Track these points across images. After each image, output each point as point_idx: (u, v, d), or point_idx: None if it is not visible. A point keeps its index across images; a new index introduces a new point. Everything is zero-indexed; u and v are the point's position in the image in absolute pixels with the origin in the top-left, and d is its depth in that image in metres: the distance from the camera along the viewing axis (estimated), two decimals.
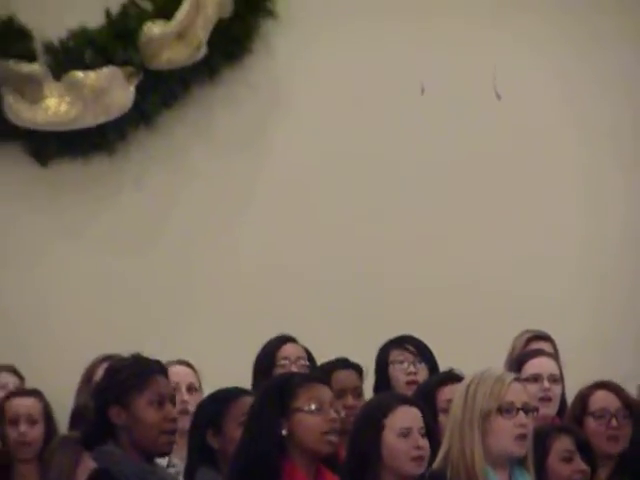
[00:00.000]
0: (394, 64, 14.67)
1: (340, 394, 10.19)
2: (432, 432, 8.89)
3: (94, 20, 13.61)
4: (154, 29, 13.44)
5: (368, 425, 8.71)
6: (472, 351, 12.01)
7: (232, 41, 13.87)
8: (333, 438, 8.45)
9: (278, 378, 9.85)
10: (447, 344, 11.64)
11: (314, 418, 8.63)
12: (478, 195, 14.41)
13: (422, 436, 8.56)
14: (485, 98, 14.70)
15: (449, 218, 14.20)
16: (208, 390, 10.33)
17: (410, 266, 13.63)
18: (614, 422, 10.41)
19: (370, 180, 14.17)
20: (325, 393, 9.01)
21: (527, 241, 13.90)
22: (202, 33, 13.66)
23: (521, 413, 8.14)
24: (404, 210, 14.13)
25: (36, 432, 11.05)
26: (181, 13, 13.55)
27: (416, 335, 11.35)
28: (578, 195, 14.99)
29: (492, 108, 14.76)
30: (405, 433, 8.60)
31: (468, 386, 8.49)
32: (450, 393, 9.37)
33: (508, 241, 13.88)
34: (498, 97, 14.60)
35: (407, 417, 8.71)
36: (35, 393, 11.43)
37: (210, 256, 13.57)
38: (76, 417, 11.10)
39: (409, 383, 10.91)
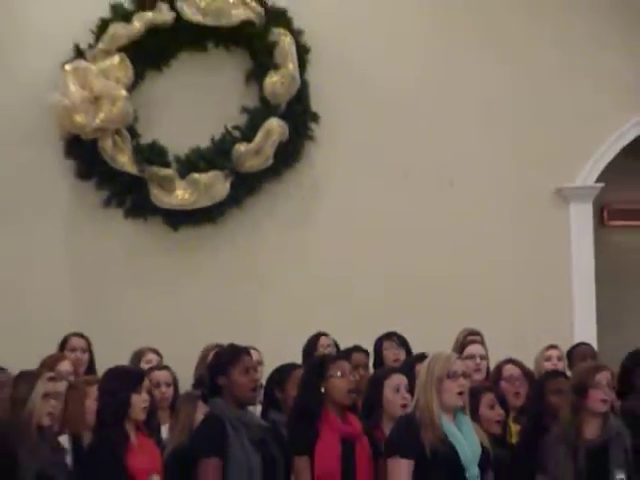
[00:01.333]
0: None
1: (355, 368, 11.98)
2: (413, 390, 10.76)
3: (204, 142, 14.67)
4: (241, 148, 14.48)
5: (374, 385, 11.36)
6: (435, 340, 12.24)
7: (289, 155, 14.76)
8: (352, 394, 10.78)
9: (318, 357, 12.31)
10: (423, 335, 12.83)
11: (340, 381, 10.68)
12: (450, 242, 14.56)
13: (407, 392, 11.01)
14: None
15: (435, 259, 14.46)
16: (279, 363, 12.29)
17: (410, 284, 14.27)
18: (517, 384, 12.16)
19: (387, 240, 14.51)
20: (346, 366, 10.96)
21: (475, 277, 14.55)
22: (270, 150, 14.59)
23: (461, 378, 10.09)
24: (411, 259, 14.50)
25: (170, 392, 12.52)
26: (258, 138, 14.41)
27: (408, 326, 12.94)
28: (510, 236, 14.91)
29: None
30: (396, 389, 11.08)
31: (429, 361, 10.32)
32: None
33: (465, 275, 14.50)
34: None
35: (397, 380, 11.19)
36: (167, 368, 12.83)
37: (280, 284, 14.44)
38: (197, 382, 12.69)
39: (395, 361, 12.90)
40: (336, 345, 12.99)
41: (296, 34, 14.66)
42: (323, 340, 12.92)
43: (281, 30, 14.57)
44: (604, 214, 15.17)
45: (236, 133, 14.67)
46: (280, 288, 14.13)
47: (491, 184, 14.62)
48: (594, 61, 14.73)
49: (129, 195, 14.61)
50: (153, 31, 14.53)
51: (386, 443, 10.66)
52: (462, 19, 14.76)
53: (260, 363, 12.79)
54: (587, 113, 14.80)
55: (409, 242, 14.39)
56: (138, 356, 12.68)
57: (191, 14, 14.37)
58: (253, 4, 14.60)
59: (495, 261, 14.40)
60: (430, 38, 14.81)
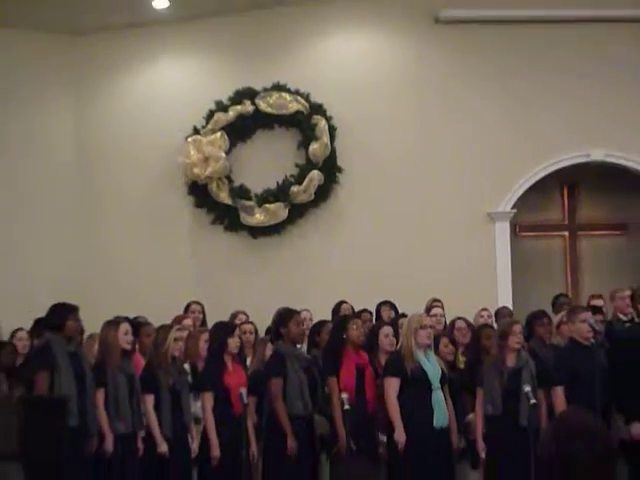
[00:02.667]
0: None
1: (364, 322, 11.96)
2: (398, 337, 11.26)
3: (272, 184, 14.32)
4: (295, 188, 14.27)
5: (372, 333, 11.46)
6: (413, 305, 11.96)
7: (324, 193, 14.44)
8: (362, 339, 11.07)
9: (341, 316, 12.20)
10: (405, 302, 12.59)
11: (355, 331, 10.91)
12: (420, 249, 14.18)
13: (393, 337, 11.20)
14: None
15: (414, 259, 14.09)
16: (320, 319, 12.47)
17: (398, 276, 13.82)
18: (463, 332, 12.01)
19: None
20: (359, 322, 11.24)
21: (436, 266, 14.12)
22: (312, 190, 14.21)
23: (429, 329, 10.60)
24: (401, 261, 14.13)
25: (252, 337, 12.11)
26: (305, 182, 14.13)
27: (396, 297, 12.81)
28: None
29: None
30: (386, 335, 11.25)
31: (409, 319, 10.88)
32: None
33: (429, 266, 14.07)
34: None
35: (387, 330, 11.36)
36: (251, 322, 12.54)
37: (319, 272, 13.99)
38: (267, 331, 12.73)
39: (387, 318, 12.64)
40: (352, 308, 12.63)
41: (328, 119, 14.32)
42: (344, 306, 12.65)
43: (319, 117, 14.29)
44: (517, 229, 14.91)
45: (292, 179, 14.36)
46: (319, 274, 13.86)
47: (448, 210, 14.17)
48: (513, 123, 14.37)
49: (226, 218, 14.42)
50: (240, 117, 14.32)
51: (382, 368, 10.98)
52: (438, 106, 14.36)
53: (310, 319, 12.58)
54: (508, 162, 14.42)
55: (400, 249, 14.03)
56: (234, 315, 12.36)
57: (264, 107, 14.19)
58: (301, 100, 14.33)
59: (450, 260, 13.96)
60: (417, 120, 14.34)
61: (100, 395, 10.35)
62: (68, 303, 11.00)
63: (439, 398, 10.69)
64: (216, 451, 10.54)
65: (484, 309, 12.72)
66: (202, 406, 10.77)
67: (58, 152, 14.01)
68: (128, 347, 10.60)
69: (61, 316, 10.78)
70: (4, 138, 13.59)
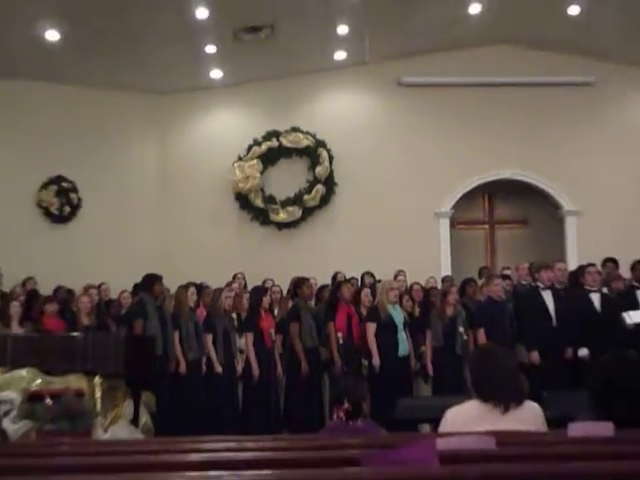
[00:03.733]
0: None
1: (352, 285, 11.49)
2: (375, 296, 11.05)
3: (291, 194, 14.08)
4: (306, 197, 14.05)
5: (357, 293, 11.05)
6: (385, 274, 11.64)
7: (325, 199, 14.12)
8: (351, 296, 10.85)
9: (337, 282, 11.70)
10: (380, 272, 12.12)
11: (347, 292, 10.64)
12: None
13: (371, 295, 10.95)
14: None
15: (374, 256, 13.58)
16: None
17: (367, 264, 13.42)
18: (420, 293, 11.58)
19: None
20: (349, 286, 11.02)
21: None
22: (318, 198, 13.97)
23: (396, 290, 10.34)
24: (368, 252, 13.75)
25: (278, 296, 11.94)
26: (312, 193, 13.90)
27: (375, 269, 12.42)
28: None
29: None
30: (366, 295, 11.00)
31: (383, 283, 10.57)
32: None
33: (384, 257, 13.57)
34: None
35: (366, 291, 11.17)
36: (277, 285, 12.19)
37: (322, 252, 13.46)
38: (288, 292, 12.09)
39: (368, 283, 12.18)
40: (344, 276, 12.15)
41: (328, 150, 14.05)
42: (339, 275, 12.29)
43: (322, 149, 14.04)
44: (454, 223, 14.42)
45: (304, 191, 14.05)
46: (322, 254, 13.39)
47: (409, 211, 13.86)
48: (451, 154, 14.10)
49: (260, 216, 14.08)
50: (269, 149, 14.05)
51: (365, 316, 10.74)
52: (401, 142, 14.07)
53: (316, 284, 11.93)
54: (448, 180, 14.11)
55: (377, 237, 13.62)
56: (265, 282, 11.98)
57: (285, 142, 13.93)
58: (310, 138, 14.07)
59: (411, 244, 13.55)
60: (387, 152, 14.03)
61: (176, 335, 10.47)
62: (155, 273, 11.14)
63: (402, 336, 10.71)
64: (256, 372, 10.66)
65: (432, 277, 12.59)
66: (245, 342, 10.84)
67: (147, 176, 13.85)
68: (192, 305, 10.69)
69: (150, 282, 10.91)
70: (107, 169, 13.38)
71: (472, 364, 4.47)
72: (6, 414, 7.52)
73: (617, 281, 10.97)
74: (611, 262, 11.54)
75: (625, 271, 11.41)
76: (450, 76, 13.90)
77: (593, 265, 11.09)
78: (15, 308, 10.33)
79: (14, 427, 7.18)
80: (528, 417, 4.15)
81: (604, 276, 10.99)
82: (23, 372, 8.22)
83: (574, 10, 12.36)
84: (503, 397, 4.13)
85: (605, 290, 10.77)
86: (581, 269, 11.41)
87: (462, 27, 12.92)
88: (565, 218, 14.26)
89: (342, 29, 12.57)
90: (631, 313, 10.00)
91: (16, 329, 10.09)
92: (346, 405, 4.93)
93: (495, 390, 4.17)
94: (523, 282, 11.83)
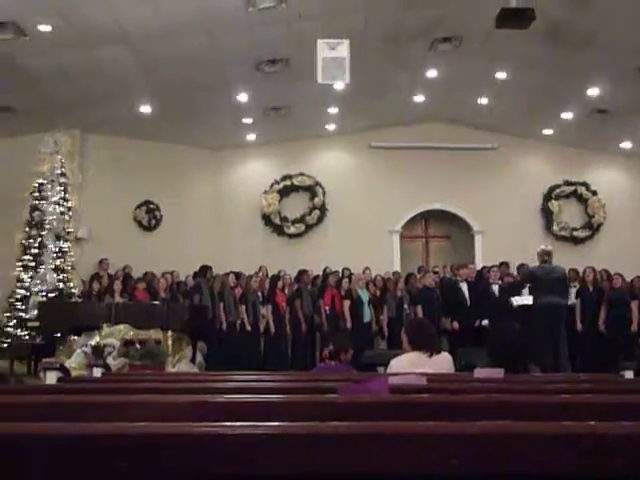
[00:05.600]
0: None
1: (336, 276, 11.35)
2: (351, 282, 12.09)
3: (298, 215, 13.66)
4: (308, 218, 13.57)
5: (339, 281, 11.01)
6: (358, 269, 11.60)
7: (320, 219, 13.64)
8: (335, 283, 11.04)
9: (325, 273, 11.51)
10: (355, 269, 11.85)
11: (332, 280, 10.89)
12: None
13: (348, 283, 10.81)
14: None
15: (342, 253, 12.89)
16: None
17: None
18: (379, 282, 11.32)
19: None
20: (334, 275, 11.39)
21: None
22: (315, 219, 13.52)
23: (364, 279, 10.53)
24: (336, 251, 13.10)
25: (289, 281, 11.90)
26: (312, 216, 13.54)
27: (351, 266, 11.70)
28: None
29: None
30: (345, 282, 10.91)
31: (355, 275, 10.77)
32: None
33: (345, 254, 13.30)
34: None
35: (346, 280, 10.86)
36: (288, 275, 11.89)
37: (318, 252, 12.75)
38: (294, 279, 11.78)
39: (347, 274, 11.49)
40: (331, 270, 11.73)
41: (322, 188, 13.83)
42: (328, 269, 11.86)
43: (319, 187, 13.82)
44: (403, 237, 14.20)
45: (306, 214, 13.80)
46: (317, 256, 12.88)
47: (373, 229, 13.52)
48: (403, 193, 13.80)
49: (277, 230, 13.77)
50: (285, 187, 13.84)
51: (343, 296, 10.66)
52: (369, 187, 13.78)
53: (312, 275, 11.75)
54: (399, 209, 13.90)
55: (352, 246, 13.07)
56: (279, 272, 11.56)
57: (295, 182, 13.73)
58: (311, 179, 13.81)
59: (374, 251, 13.19)
60: (359, 192, 13.71)
61: (220, 305, 10.44)
62: (207, 265, 11.10)
63: (367, 310, 10.77)
64: (273, 329, 10.62)
65: (387, 271, 12.35)
66: (266, 311, 10.82)
67: (205, 203, 13.60)
68: (232, 285, 10.66)
69: (204, 270, 10.92)
70: (179, 197, 13.17)
71: (407, 328, 4.50)
72: (109, 353, 7.58)
73: (508, 277, 11.00)
74: (504, 265, 11.55)
75: (513, 270, 11.42)
76: (403, 142, 13.74)
77: (494, 266, 11.18)
78: (117, 285, 10.56)
79: (114, 362, 7.28)
80: (443, 362, 4.19)
81: (500, 274, 10.99)
82: (121, 327, 8.40)
83: (484, 100, 12.38)
84: (426, 347, 4.17)
85: (500, 283, 10.81)
86: (485, 269, 11.47)
87: (411, 110, 12.90)
88: (475, 235, 14.12)
89: (332, 110, 12.53)
90: (517, 298, 10.06)
91: (117, 299, 10.23)
92: (330, 347, 4.84)
93: (422, 343, 4.20)
94: (447, 276, 11.86)
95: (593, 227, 13.98)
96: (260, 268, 12.00)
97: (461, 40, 10.10)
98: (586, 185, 14.08)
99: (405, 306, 10.99)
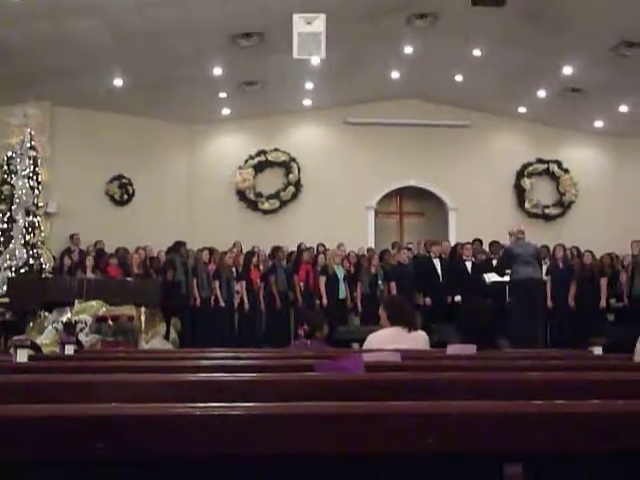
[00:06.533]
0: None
1: (309, 252, 11.63)
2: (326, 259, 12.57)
3: (274, 191, 13.68)
4: (282, 194, 13.46)
5: (314, 257, 11.33)
6: (333, 244, 11.65)
7: (295, 195, 13.58)
8: (310, 258, 11.30)
9: (300, 249, 11.41)
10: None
11: (307, 256, 11.19)
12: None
13: (324, 259, 10.99)
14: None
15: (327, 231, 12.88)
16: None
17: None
18: (353, 257, 11.37)
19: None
20: (309, 252, 11.67)
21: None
22: (290, 195, 13.53)
23: (339, 256, 10.72)
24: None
25: (263, 257, 11.94)
26: (287, 191, 13.50)
27: (328, 243, 11.79)
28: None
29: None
30: (319, 258, 11.23)
31: (331, 250, 11.04)
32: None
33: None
34: None
35: (321, 256, 11.01)
36: (263, 251, 12.05)
37: (295, 228, 12.76)
38: (269, 255, 11.88)
39: (322, 250, 11.64)
40: (305, 246, 11.78)
41: (298, 163, 13.73)
42: (302, 245, 11.86)
43: (294, 163, 13.72)
44: (377, 214, 14.23)
45: (281, 189, 13.74)
46: (293, 231, 12.83)
47: (350, 204, 13.49)
48: (376, 168, 13.73)
49: (252, 205, 13.72)
50: (259, 162, 13.74)
51: (318, 272, 10.67)
52: (344, 160, 13.72)
53: (287, 250, 11.79)
54: (374, 186, 13.89)
55: (328, 221, 13.03)
56: (254, 248, 11.61)
57: (270, 158, 13.64)
58: (286, 154, 13.71)
59: (350, 226, 13.16)
60: (334, 165, 13.64)
61: (194, 281, 10.40)
62: (181, 240, 11.03)
63: (342, 286, 10.81)
64: (247, 306, 10.64)
65: (362, 247, 12.37)
66: (240, 287, 10.81)
67: (179, 176, 13.46)
68: (206, 261, 10.61)
69: (178, 246, 10.91)
70: (152, 171, 12.98)
71: (385, 304, 4.53)
72: (81, 330, 7.52)
73: (481, 254, 11.11)
74: (477, 241, 11.68)
75: (486, 247, 11.50)
76: (378, 118, 13.67)
77: (468, 243, 11.26)
78: (89, 261, 10.50)
79: (86, 339, 7.23)
80: (419, 339, 4.24)
81: (473, 250, 11.08)
82: (94, 302, 8.28)
83: (459, 77, 12.38)
84: (405, 323, 4.21)
85: (473, 259, 10.92)
86: (460, 245, 11.55)
87: (387, 86, 12.82)
88: (448, 212, 14.14)
89: (309, 85, 12.45)
90: (489, 274, 10.19)
91: (89, 274, 10.16)
92: (305, 327, 4.84)
93: (401, 319, 4.23)
94: (421, 252, 11.93)
95: (564, 205, 14.15)
96: (234, 244, 11.93)
97: (437, 16, 10.09)
98: (558, 163, 14.20)
99: (379, 282, 11.04)
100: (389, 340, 4.02)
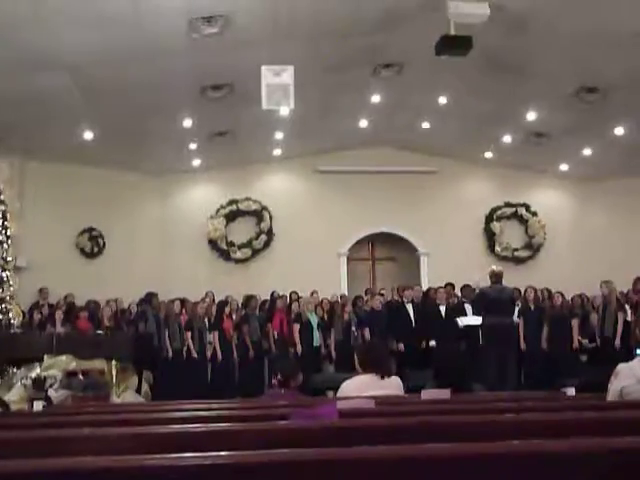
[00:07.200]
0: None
1: (282, 299, 11.82)
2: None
3: (245, 240, 14.07)
4: (254, 242, 13.47)
5: (288, 305, 11.71)
6: (306, 291, 11.70)
7: (268, 243, 13.62)
8: (283, 307, 11.52)
9: (273, 298, 11.35)
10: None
11: (280, 304, 11.20)
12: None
13: (297, 306, 11.30)
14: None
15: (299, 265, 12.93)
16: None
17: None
18: (326, 305, 11.26)
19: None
20: (282, 300, 11.46)
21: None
22: (262, 244, 13.53)
23: (312, 303, 10.58)
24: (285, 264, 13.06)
25: (236, 306, 11.84)
26: (260, 240, 13.53)
27: (302, 286, 11.85)
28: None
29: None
30: (294, 305, 11.23)
31: (304, 298, 10.59)
32: None
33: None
34: None
35: (295, 304, 10.86)
36: (235, 300, 11.63)
37: (267, 272, 12.79)
38: (242, 305, 11.86)
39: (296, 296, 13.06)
40: (278, 294, 11.81)
41: (270, 212, 13.81)
42: (275, 293, 11.92)
43: (265, 211, 13.79)
44: (350, 260, 14.24)
45: (254, 238, 13.75)
46: (264, 280, 12.86)
47: (323, 251, 13.53)
48: (351, 215, 13.83)
49: (224, 255, 13.69)
50: (231, 211, 13.80)
51: (292, 320, 10.53)
52: (317, 208, 13.87)
53: (260, 300, 11.69)
54: (347, 232, 14.01)
55: (301, 268, 13.07)
56: (226, 297, 11.55)
57: (241, 207, 13.70)
58: (257, 203, 13.80)
59: (323, 272, 13.20)
60: (307, 214, 13.75)
61: (166, 332, 10.30)
62: (153, 292, 10.95)
63: (317, 333, 10.76)
64: (220, 356, 10.51)
65: (335, 295, 12.31)
66: (213, 337, 10.71)
67: (150, 228, 13.42)
68: (177, 312, 10.52)
69: (149, 297, 10.79)
70: (123, 223, 12.98)
71: (359, 351, 4.51)
72: (51, 385, 7.38)
73: (453, 298, 11.16)
74: (450, 285, 11.71)
75: (457, 292, 11.61)
76: (348, 166, 13.83)
77: (441, 287, 11.32)
78: (58, 314, 10.38)
79: (56, 395, 7.07)
80: (393, 384, 4.19)
81: (446, 295, 11.14)
82: (63, 357, 8.17)
83: (426, 125, 12.61)
84: (379, 371, 4.16)
85: (447, 303, 10.95)
86: (432, 290, 11.59)
87: (355, 134, 12.99)
88: (420, 257, 14.26)
89: (278, 135, 12.56)
90: (462, 318, 10.22)
91: (59, 328, 10.12)
92: (279, 376, 4.80)
93: (373, 366, 4.19)
94: (394, 298, 11.93)
95: (534, 247, 14.33)
96: (207, 294, 11.87)
97: (402, 66, 10.30)
98: (526, 206, 14.46)
99: (353, 329, 11.01)
100: (362, 387, 4.00)
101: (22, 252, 11.57)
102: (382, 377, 4.13)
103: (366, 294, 12.25)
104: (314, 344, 10.78)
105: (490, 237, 14.26)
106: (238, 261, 13.69)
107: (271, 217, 13.83)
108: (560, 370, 9.47)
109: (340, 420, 2.21)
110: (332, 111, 11.60)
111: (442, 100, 11.36)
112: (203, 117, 11.02)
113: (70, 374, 7.69)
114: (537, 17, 8.50)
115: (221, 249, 13.69)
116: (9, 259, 10.50)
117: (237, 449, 1.32)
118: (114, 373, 8.32)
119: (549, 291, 11.32)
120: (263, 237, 13.80)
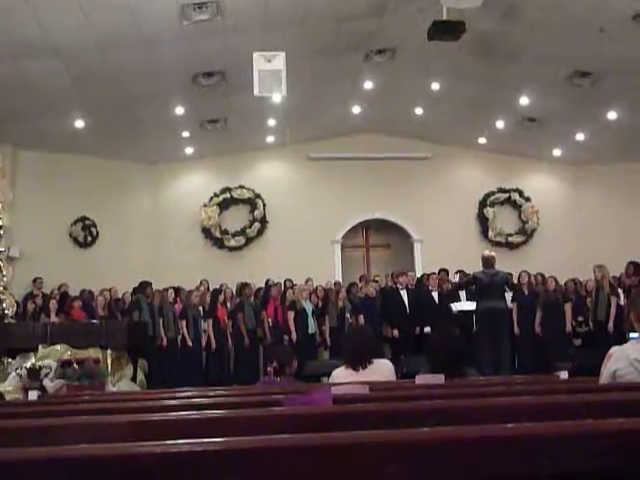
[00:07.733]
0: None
1: (277, 287, 11.71)
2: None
3: (240, 227, 13.80)
4: (248, 230, 13.42)
5: (282, 292, 11.58)
6: (301, 279, 11.73)
7: (261, 231, 13.61)
8: (278, 294, 11.55)
9: (267, 285, 11.32)
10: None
11: (275, 291, 11.14)
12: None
13: (292, 293, 11.18)
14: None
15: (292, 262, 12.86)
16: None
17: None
18: (320, 292, 11.19)
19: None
20: (277, 288, 11.47)
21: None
22: (256, 231, 13.54)
23: (307, 290, 10.54)
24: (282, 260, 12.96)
25: (230, 294, 11.82)
26: (253, 228, 13.52)
27: (294, 277, 11.77)
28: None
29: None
30: (288, 293, 11.30)
31: (299, 286, 10.62)
32: None
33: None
34: None
35: (290, 291, 10.73)
36: (230, 288, 11.44)
37: (261, 261, 12.70)
38: (236, 293, 11.87)
39: (291, 285, 11.92)
40: (273, 281, 11.77)
41: (263, 200, 13.78)
42: (270, 281, 11.86)
43: (259, 199, 13.78)
44: (344, 247, 14.22)
45: (247, 226, 13.75)
46: (259, 267, 12.86)
47: (316, 238, 13.52)
48: (343, 201, 13.81)
49: (218, 243, 13.69)
50: (224, 200, 13.77)
51: (287, 307, 10.51)
52: (309, 193, 13.85)
53: (254, 287, 11.61)
54: (340, 218, 13.96)
55: (295, 256, 13.04)
56: (220, 285, 11.53)
57: (235, 195, 13.71)
58: (251, 192, 13.79)
59: (317, 260, 13.18)
60: (300, 200, 13.72)
61: (160, 321, 10.30)
62: (147, 280, 10.94)
63: (311, 320, 10.75)
64: (214, 345, 10.52)
65: (329, 282, 12.24)
66: (207, 325, 10.72)
67: (143, 216, 13.42)
68: (171, 301, 10.52)
69: (144, 286, 10.77)
70: (116, 212, 12.94)
71: (349, 337, 4.54)
72: (46, 375, 7.37)
73: (447, 283, 11.16)
74: (444, 271, 11.72)
75: (452, 277, 11.62)
76: (341, 153, 13.84)
77: (434, 274, 11.34)
78: (52, 304, 10.33)
79: (51, 384, 7.08)
80: (383, 368, 4.17)
81: (439, 281, 11.15)
82: (58, 347, 8.21)
83: (419, 111, 12.58)
84: (350, 364, 4.16)
85: (440, 289, 10.96)
86: (425, 276, 11.61)
87: (348, 121, 12.98)
88: (414, 243, 14.25)
89: (271, 122, 12.51)
90: (456, 304, 10.23)
91: (53, 318, 10.06)
92: (274, 364, 4.81)
93: (347, 359, 4.22)
94: (388, 284, 11.93)
95: (527, 232, 14.33)
96: (201, 282, 11.86)
97: (395, 52, 10.25)
98: (520, 192, 14.46)
99: (347, 315, 11.02)
100: (349, 374, 4.02)
101: (15, 242, 11.54)
102: (355, 369, 4.09)
103: (360, 281, 12.25)
104: (309, 331, 10.78)
105: (483, 223, 14.27)
106: (232, 249, 13.67)
107: (264, 205, 13.80)
108: (553, 354, 9.47)
109: (334, 406, 2.21)
110: (324, 97, 11.54)
111: (435, 86, 11.33)
112: (195, 105, 10.97)
113: (65, 363, 7.66)
114: (530, 2, 8.48)
115: (215, 237, 13.67)
116: (2, 249, 10.45)
117: (231, 436, 1.33)
118: (109, 362, 8.32)
119: (543, 276, 11.33)
120: (257, 225, 13.79)
